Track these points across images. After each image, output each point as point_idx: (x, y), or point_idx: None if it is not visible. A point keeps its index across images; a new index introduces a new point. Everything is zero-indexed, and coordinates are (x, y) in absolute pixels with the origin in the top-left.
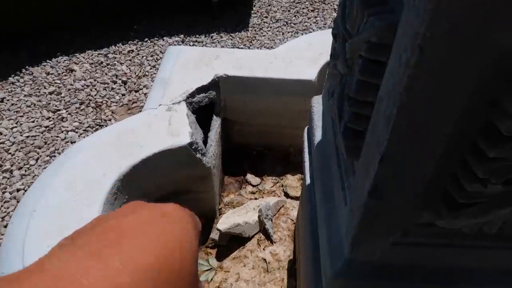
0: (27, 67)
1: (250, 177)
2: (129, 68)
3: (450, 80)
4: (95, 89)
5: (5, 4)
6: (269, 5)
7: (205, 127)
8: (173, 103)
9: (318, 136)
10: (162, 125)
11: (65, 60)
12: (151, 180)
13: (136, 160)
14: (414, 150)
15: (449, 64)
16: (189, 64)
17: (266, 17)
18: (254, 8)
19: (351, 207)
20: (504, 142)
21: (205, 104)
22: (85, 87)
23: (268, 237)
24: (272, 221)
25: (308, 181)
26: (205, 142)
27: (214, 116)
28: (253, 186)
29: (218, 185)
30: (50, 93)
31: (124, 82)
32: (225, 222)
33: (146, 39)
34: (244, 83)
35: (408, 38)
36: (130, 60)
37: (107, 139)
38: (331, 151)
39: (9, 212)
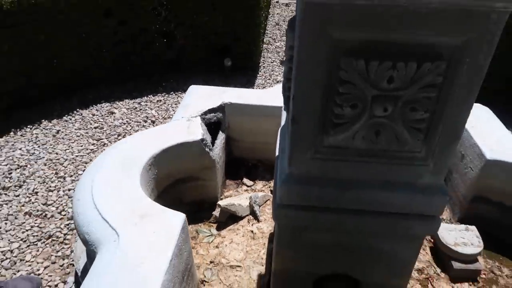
0: (77, 109)
1: (245, 180)
2: (157, 112)
3: (314, 56)
4: (130, 125)
5: (63, 61)
6: (272, 71)
7: (214, 140)
8: (191, 117)
9: (281, 124)
10: (183, 128)
11: (107, 106)
12: (173, 163)
13: (164, 146)
14: (307, 94)
15: (311, 49)
16: (203, 95)
17: (269, 79)
18: (260, 72)
19: (288, 136)
20: (344, 83)
21: (214, 122)
22: (122, 124)
23: (256, 217)
24: (259, 207)
25: (277, 152)
26: (213, 145)
27: (220, 132)
28: (248, 186)
29: (221, 178)
30: (95, 128)
31: (153, 122)
32: (224, 201)
33: (172, 92)
34: (242, 108)
35: (292, 39)
36: (158, 107)
37: (145, 135)
38: (286, 127)
39: (63, 205)
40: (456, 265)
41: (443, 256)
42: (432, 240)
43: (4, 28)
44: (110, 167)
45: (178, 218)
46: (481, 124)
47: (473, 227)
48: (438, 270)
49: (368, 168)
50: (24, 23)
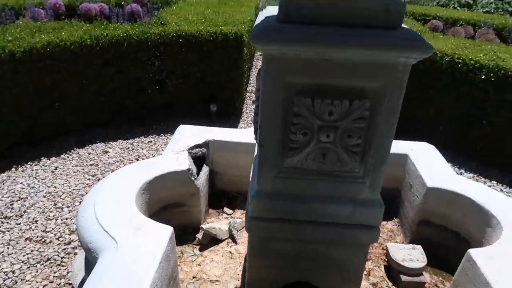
0: (75, 148)
1: (226, 209)
2: (148, 152)
3: (274, 95)
4: (123, 163)
5: (65, 105)
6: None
7: (199, 172)
8: (180, 151)
9: (255, 154)
10: (173, 160)
11: (102, 145)
12: (163, 189)
13: (157, 174)
14: (270, 124)
15: (273, 91)
16: (191, 133)
17: (251, 123)
18: (242, 117)
19: (257, 159)
20: (297, 116)
21: (199, 156)
22: (116, 162)
23: (234, 240)
24: (237, 231)
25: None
26: (198, 175)
27: (205, 165)
28: (228, 214)
29: (204, 206)
30: (91, 165)
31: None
32: (206, 225)
33: (162, 134)
34: (223, 144)
35: (259, 83)
36: (149, 147)
37: (140, 164)
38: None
39: (61, 232)
40: (404, 278)
41: (394, 271)
42: (386, 259)
43: (15, 74)
44: (110, 190)
45: (167, 230)
46: (426, 159)
47: (419, 246)
48: (390, 284)
49: (319, 185)
50: (34, 70)
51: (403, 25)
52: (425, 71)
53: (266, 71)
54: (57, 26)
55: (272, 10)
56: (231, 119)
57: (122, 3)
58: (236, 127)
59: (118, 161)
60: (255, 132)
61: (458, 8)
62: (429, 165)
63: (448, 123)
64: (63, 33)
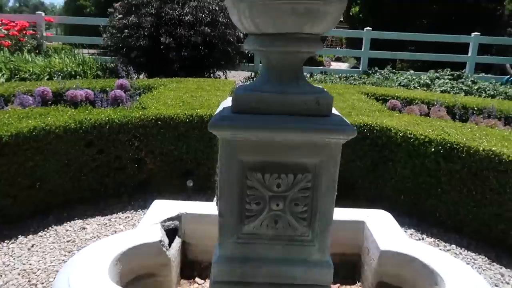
0: (53, 226)
1: (197, 279)
2: (125, 227)
3: (230, 171)
4: (100, 239)
5: (45, 184)
6: None
7: (171, 243)
8: (153, 224)
9: None
10: (145, 233)
11: (80, 222)
12: (136, 260)
13: (129, 245)
14: (228, 195)
15: (229, 167)
16: (165, 207)
17: None
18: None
19: (218, 227)
20: (250, 188)
21: (172, 228)
22: (93, 238)
23: None
24: None
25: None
26: (170, 247)
27: (177, 237)
28: (199, 284)
29: (175, 276)
30: (67, 241)
31: None
32: None
33: (139, 210)
34: (196, 217)
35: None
36: (126, 222)
37: (115, 237)
38: None
39: None
40: None
41: None
42: None
43: (1, 156)
44: (84, 262)
45: None
46: (381, 225)
47: None
48: None
49: (275, 249)
50: (19, 152)
51: (334, 113)
52: (383, 145)
53: (222, 152)
54: (43, 112)
55: (229, 101)
56: (207, 194)
57: (107, 89)
58: (212, 201)
59: (95, 237)
60: (217, 203)
61: (418, 87)
62: (383, 230)
63: (408, 192)
64: (49, 118)
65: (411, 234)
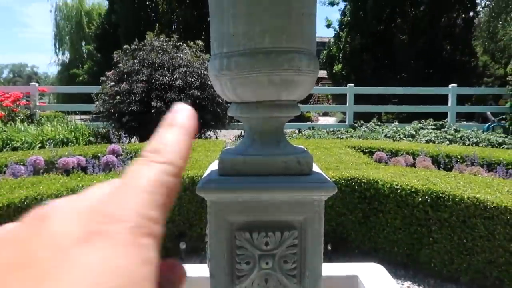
0: None
1: None
2: None
3: (219, 231)
4: None
5: None
6: None
7: None
8: None
9: None
10: None
11: None
12: None
13: None
14: (217, 256)
15: (218, 228)
16: None
17: None
18: None
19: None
20: (239, 248)
21: None
22: None
23: None
24: None
25: None
26: None
27: None
28: None
29: None
30: None
31: None
32: None
33: None
34: (187, 282)
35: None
36: None
37: None
38: None
39: None
40: None
41: None
42: None
43: None
44: None
45: None
46: (374, 279)
47: None
48: None
49: None
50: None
51: (316, 170)
52: (372, 197)
53: (211, 214)
54: (35, 181)
55: (216, 164)
56: (200, 255)
57: (99, 154)
58: (205, 262)
59: None
60: (208, 265)
61: (403, 138)
62: (377, 284)
63: (401, 242)
64: (41, 187)
65: (408, 287)
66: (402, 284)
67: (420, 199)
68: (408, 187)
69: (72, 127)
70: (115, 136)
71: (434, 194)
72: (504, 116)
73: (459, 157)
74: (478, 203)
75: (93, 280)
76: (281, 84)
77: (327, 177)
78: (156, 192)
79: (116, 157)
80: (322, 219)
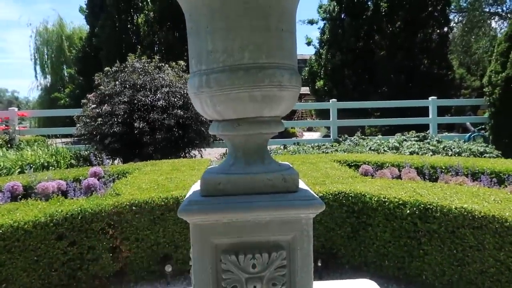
0: None
1: None
2: None
3: (203, 254)
4: None
5: (12, 285)
6: None
7: None
8: None
9: None
10: None
11: None
12: None
13: None
14: (202, 281)
15: (202, 252)
16: None
17: None
18: None
19: None
20: (225, 272)
21: None
22: None
23: None
24: None
25: None
26: None
27: None
28: None
29: None
30: None
31: None
32: None
33: None
34: None
35: None
36: None
37: None
38: None
39: None
40: None
41: None
42: None
43: None
44: None
45: None
46: None
47: None
48: None
49: None
50: None
51: (302, 187)
52: (360, 211)
53: (194, 236)
54: (12, 208)
55: (198, 185)
56: (187, 278)
57: (80, 178)
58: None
59: None
60: None
61: (387, 151)
62: None
63: (392, 255)
64: (17, 214)
65: None
66: None
67: (408, 211)
68: (396, 199)
69: (53, 150)
70: (98, 159)
71: (422, 205)
72: (483, 126)
73: (443, 167)
74: (466, 213)
75: None
76: (262, 100)
77: (314, 194)
78: None
79: (98, 179)
80: (311, 237)
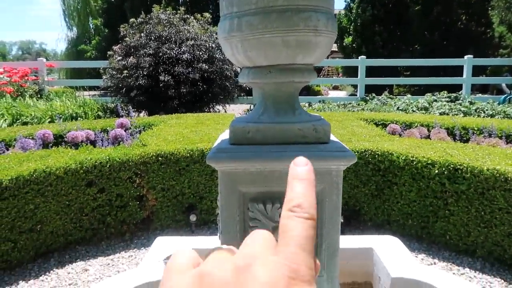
0: (54, 269)
1: None
2: (128, 267)
3: (231, 202)
4: (102, 280)
5: (46, 227)
6: None
7: None
8: (156, 262)
9: None
10: (148, 271)
11: (82, 264)
12: None
13: (133, 286)
14: (229, 228)
15: (230, 200)
16: (167, 245)
17: None
18: None
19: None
20: (252, 220)
21: None
22: (95, 279)
23: None
24: None
25: None
26: None
27: None
28: None
29: None
30: (69, 285)
31: None
32: None
33: (142, 248)
34: (198, 252)
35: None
36: (129, 261)
37: (117, 279)
38: None
39: None
40: None
41: None
42: None
43: (1, 200)
44: None
45: None
46: (390, 251)
47: None
48: None
49: None
50: (19, 195)
51: (333, 139)
52: (386, 169)
53: (222, 184)
54: (44, 154)
55: (227, 134)
56: (211, 228)
57: (107, 128)
58: (215, 234)
59: (97, 278)
60: (219, 237)
61: (416, 111)
62: (393, 256)
63: (416, 215)
64: (49, 160)
65: (422, 259)
66: (416, 257)
67: (437, 171)
68: (424, 159)
69: (81, 102)
70: (124, 111)
71: (452, 166)
72: None
73: (475, 128)
74: (498, 174)
75: None
76: (296, 45)
77: (345, 146)
78: (308, 243)
79: (125, 130)
80: (340, 190)
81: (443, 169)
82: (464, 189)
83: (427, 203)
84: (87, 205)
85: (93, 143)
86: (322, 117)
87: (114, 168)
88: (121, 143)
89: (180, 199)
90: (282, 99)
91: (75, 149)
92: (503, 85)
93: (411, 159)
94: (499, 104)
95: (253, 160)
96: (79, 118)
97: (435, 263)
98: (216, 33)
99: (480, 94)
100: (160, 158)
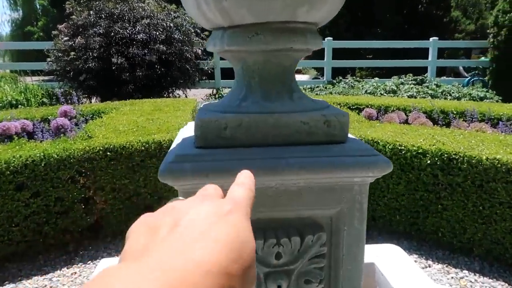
0: None
1: None
2: (70, 287)
3: None
4: None
5: None
6: None
7: None
8: None
9: None
10: None
11: (11, 287)
12: None
13: None
14: None
15: None
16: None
17: None
18: None
19: None
20: None
21: None
22: None
23: None
24: None
25: None
26: None
27: None
28: None
29: None
30: None
31: None
32: None
33: (89, 261)
34: None
35: None
36: (72, 280)
37: None
38: None
39: None
40: None
41: None
42: None
43: None
44: None
45: None
46: (393, 265)
47: None
48: None
49: None
50: None
51: (350, 136)
52: None
53: None
54: None
55: (190, 129)
56: None
57: (49, 117)
58: None
59: None
60: None
61: (384, 94)
62: (399, 274)
63: (404, 210)
64: None
65: (415, 261)
66: None
67: (428, 161)
68: (414, 148)
69: (22, 87)
70: (71, 97)
71: (446, 155)
72: (477, 71)
73: (454, 112)
74: (499, 165)
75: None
76: None
77: (371, 147)
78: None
79: (70, 120)
80: (365, 212)
81: (436, 159)
82: (459, 181)
83: (417, 197)
84: (18, 213)
85: (31, 135)
86: (330, 104)
87: (51, 166)
88: (64, 134)
89: (135, 200)
90: (274, 77)
91: (10, 142)
92: (461, 68)
93: (399, 148)
94: (463, 86)
95: (234, 173)
96: (20, 106)
97: (429, 266)
98: (175, 12)
99: (444, 77)
100: (109, 153)
